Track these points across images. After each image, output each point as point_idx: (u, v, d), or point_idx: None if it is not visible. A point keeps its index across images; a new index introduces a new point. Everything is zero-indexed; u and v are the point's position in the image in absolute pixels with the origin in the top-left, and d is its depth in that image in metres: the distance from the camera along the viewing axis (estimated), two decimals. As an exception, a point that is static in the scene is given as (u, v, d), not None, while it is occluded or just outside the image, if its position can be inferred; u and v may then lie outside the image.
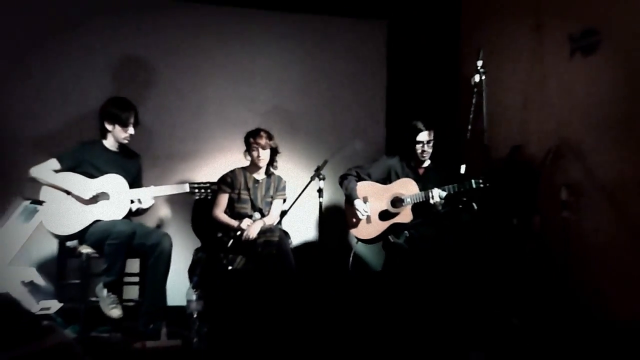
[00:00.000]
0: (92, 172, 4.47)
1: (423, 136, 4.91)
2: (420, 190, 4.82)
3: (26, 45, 5.21)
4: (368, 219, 4.95)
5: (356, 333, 4.22)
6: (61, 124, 5.21)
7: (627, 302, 4.16)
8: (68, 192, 4.38)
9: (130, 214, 4.53)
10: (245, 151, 5.00)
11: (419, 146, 4.92)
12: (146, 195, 4.52)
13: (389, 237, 4.92)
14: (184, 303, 3.99)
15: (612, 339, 3.88)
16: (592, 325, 4.23)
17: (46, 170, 4.39)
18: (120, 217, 4.42)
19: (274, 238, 4.67)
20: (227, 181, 5.00)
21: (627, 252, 4.20)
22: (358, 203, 4.92)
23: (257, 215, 4.95)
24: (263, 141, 4.88)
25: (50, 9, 5.26)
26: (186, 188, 4.56)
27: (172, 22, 5.58)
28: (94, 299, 4.37)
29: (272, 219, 4.95)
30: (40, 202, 4.31)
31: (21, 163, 4.56)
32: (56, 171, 4.41)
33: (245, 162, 5.04)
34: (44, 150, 4.73)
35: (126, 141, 4.58)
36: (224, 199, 4.97)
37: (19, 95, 5.18)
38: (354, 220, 5.00)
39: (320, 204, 4.64)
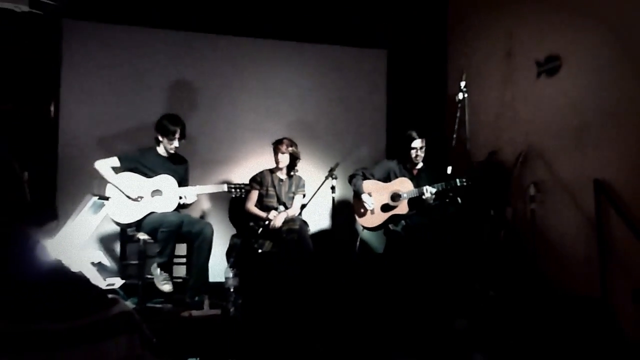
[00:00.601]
0: (146, 173, 4.50)
1: (417, 143, 4.89)
2: (415, 187, 4.81)
3: (99, 67, 5.24)
4: (372, 211, 4.95)
5: (362, 303, 4.23)
6: (123, 132, 5.21)
7: (582, 279, 4.17)
8: (122, 192, 4.40)
9: (179, 207, 4.55)
10: (275, 155, 5.03)
11: (413, 151, 4.91)
12: (192, 193, 4.55)
13: (389, 225, 4.92)
14: (222, 279, 4.01)
15: (569, 308, 3.87)
16: (553, 297, 4.25)
17: (107, 166, 4.41)
18: (170, 210, 4.45)
19: (296, 226, 4.68)
20: (257, 180, 5.01)
21: (581, 238, 4.21)
22: (365, 197, 4.92)
23: (281, 208, 4.96)
24: (283, 147, 4.87)
25: (121, 41, 5.30)
26: (224, 188, 4.59)
27: (214, 52, 5.59)
28: (149, 276, 4.42)
29: (294, 211, 4.95)
30: (107, 198, 4.33)
31: (90, 164, 4.48)
32: (115, 169, 4.44)
33: (273, 165, 5.05)
34: (108, 153, 4.69)
35: (172, 151, 4.58)
36: (254, 195, 4.98)
37: (91, 109, 5.19)
38: (361, 211, 5.00)
39: (333, 198, 4.64)
